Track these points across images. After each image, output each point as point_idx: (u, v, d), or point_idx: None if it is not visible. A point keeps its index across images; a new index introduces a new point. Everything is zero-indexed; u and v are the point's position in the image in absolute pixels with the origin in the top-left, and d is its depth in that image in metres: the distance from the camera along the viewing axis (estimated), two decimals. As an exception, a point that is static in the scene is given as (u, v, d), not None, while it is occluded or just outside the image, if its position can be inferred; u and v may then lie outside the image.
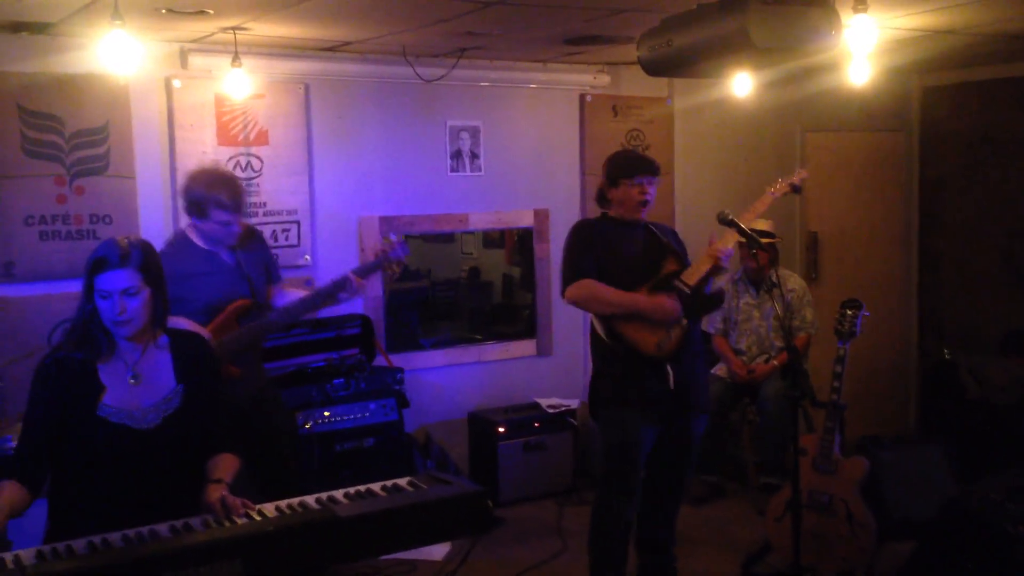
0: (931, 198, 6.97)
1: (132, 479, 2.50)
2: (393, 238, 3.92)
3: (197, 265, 3.61)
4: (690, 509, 5.30)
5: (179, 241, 3.71)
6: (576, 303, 3.75)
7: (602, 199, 3.86)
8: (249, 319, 3.67)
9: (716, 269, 3.72)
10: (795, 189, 3.92)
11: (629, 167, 3.79)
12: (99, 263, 2.45)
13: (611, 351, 3.71)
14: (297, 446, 3.98)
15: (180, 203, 3.68)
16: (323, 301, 3.75)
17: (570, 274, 3.72)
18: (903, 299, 7.10)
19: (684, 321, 3.68)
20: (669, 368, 3.67)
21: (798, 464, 3.69)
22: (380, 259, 3.78)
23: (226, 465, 2.60)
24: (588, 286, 3.65)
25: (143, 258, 2.49)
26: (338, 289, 3.72)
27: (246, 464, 3.60)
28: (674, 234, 3.99)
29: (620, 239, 3.77)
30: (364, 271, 3.78)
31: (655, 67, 3.23)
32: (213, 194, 3.54)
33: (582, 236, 3.82)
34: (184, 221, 4.60)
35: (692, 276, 3.68)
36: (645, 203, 3.77)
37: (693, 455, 3.89)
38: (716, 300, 3.92)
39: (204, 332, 3.51)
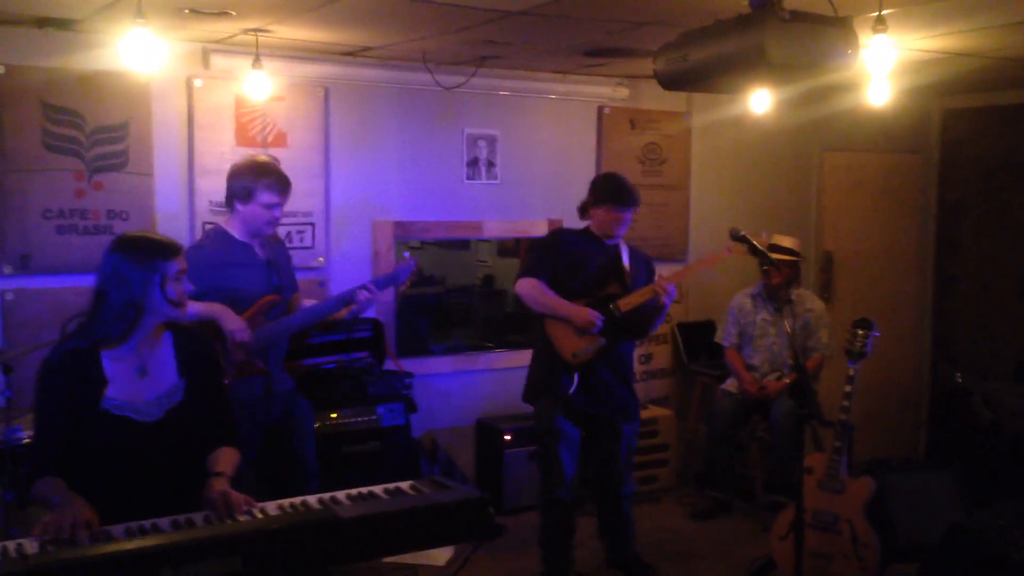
0: (948, 222, 6.94)
1: (134, 472, 2.52)
2: (407, 255, 4.04)
3: (234, 256, 3.67)
4: (695, 524, 5.30)
5: (217, 232, 3.77)
6: (522, 296, 4.14)
7: (583, 211, 4.22)
8: (276, 315, 3.72)
9: (655, 304, 4.05)
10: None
11: (617, 197, 4.12)
12: (168, 249, 2.57)
13: (541, 345, 4.16)
14: (314, 448, 4.03)
15: (225, 190, 3.74)
16: (339, 308, 3.80)
17: (524, 270, 4.20)
18: (917, 322, 7.07)
19: (601, 340, 4.01)
20: (576, 376, 4.06)
21: (802, 482, 3.68)
22: (395, 272, 3.87)
23: (227, 458, 2.62)
24: (534, 285, 4.10)
25: None
26: (353, 297, 3.77)
27: (267, 465, 3.68)
28: (647, 263, 4.31)
29: (585, 254, 4.13)
30: (379, 284, 3.85)
31: (671, 81, 3.23)
32: (263, 179, 3.63)
33: (552, 243, 4.27)
34: (200, 219, 4.69)
35: (628, 302, 4.02)
36: (617, 231, 4.15)
37: (621, 454, 4.27)
38: (637, 331, 4.22)
39: (239, 319, 3.56)
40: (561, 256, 4.13)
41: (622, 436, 4.27)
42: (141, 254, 2.54)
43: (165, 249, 2.57)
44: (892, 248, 6.93)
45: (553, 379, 4.12)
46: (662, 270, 4.38)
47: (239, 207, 3.68)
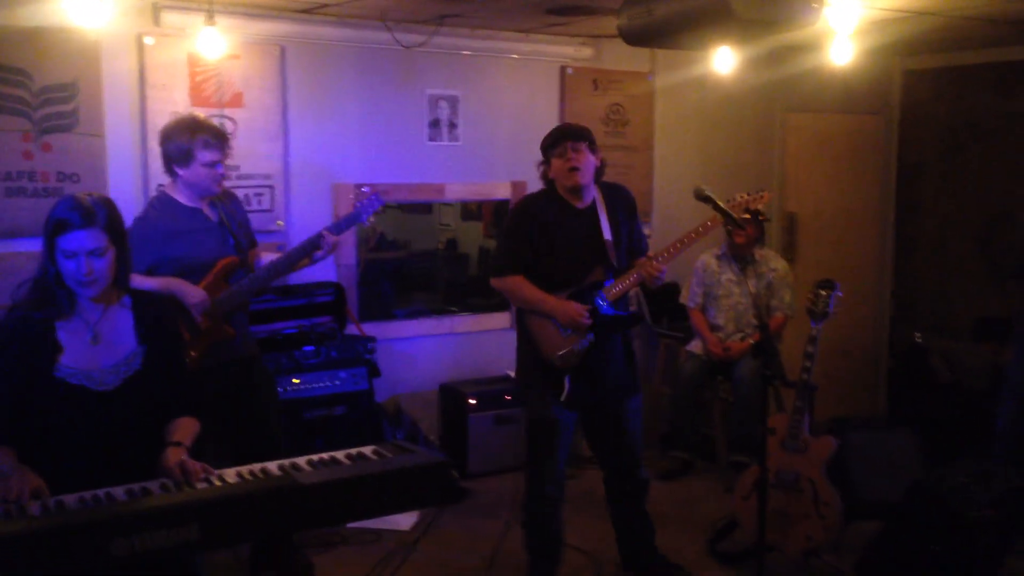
0: (909, 182, 6.97)
1: (90, 441, 2.46)
2: (366, 190, 3.90)
3: (182, 223, 3.57)
4: (658, 485, 5.30)
5: (161, 201, 3.66)
6: (500, 291, 3.82)
7: (545, 178, 3.79)
8: (236, 277, 3.63)
9: (646, 283, 3.67)
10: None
11: (551, 139, 3.72)
12: (62, 223, 2.39)
13: (524, 342, 3.78)
14: (280, 414, 3.96)
15: (161, 157, 3.61)
16: (300, 258, 3.72)
17: (500, 264, 3.77)
18: (877, 282, 7.12)
19: (588, 337, 3.62)
20: (566, 380, 3.66)
21: (766, 442, 3.69)
22: (356, 210, 3.75)
23: (185, 428, 2.56)
24: (511, 283, 3.71)
25: (108, 217, 2.44)
26: (313, 247, 3.68)
27: (229, 431, 3.62)
28: (625, 206, 3.85)
29: (561, 228, 3.70)
30: (339, 226, 3.76)
31: (634, 37, 3.19)
32: (198, 137, 3.50)
33: (522, 220, 3.75)
34: (155, 182, 4.57)
35: (613, 293, 3.65)
36: (575, 169, 3.65)
37: (629, 431, 3.88)
38: (630, 321, 3.89)
39: (198, 291, 3.47)
40: (533, 240, 3.69)
41: (626, 414, 3.86)
42: (45, 228, 2.43)
43: (62, 222, 2.38)
44: (854, 208, 6.96)
45: (542, 378, 3.71)
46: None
47: (180, 171, 3.56)
